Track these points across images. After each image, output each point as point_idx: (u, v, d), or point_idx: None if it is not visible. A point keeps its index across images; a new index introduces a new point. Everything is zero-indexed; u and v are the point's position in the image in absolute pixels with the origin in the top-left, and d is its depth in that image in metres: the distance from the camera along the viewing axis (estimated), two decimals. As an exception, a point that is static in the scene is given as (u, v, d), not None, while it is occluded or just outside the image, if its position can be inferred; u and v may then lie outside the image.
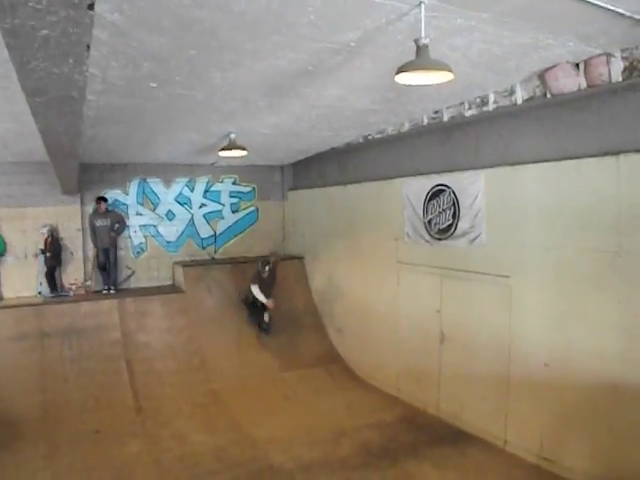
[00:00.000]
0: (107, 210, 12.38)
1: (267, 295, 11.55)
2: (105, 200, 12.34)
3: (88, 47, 3.17)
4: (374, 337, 10.85)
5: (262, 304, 11.57)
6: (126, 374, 10.61)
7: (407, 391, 9.87)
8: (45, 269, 12.00)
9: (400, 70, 4.32)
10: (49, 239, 11.87)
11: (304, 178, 13.96)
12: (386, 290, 10.38)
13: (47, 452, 8.34)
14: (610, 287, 6.49)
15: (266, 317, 11.84)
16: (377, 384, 10.59)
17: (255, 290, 11.41)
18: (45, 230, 11.87)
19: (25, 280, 12.07)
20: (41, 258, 12.02)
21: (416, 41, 4.28)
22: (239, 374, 10.89)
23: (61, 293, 12.12)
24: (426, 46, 4.26)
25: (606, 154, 6.49)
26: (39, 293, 12.09)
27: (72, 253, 12.39)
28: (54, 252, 11.94)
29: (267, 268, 11.55)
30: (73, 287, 12.39)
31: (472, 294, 8.46)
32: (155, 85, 6.16)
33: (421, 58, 4.27)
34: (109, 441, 8.63)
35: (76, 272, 12.47)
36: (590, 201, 6.69)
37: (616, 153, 6.38)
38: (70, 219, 12.37)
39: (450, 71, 4.36)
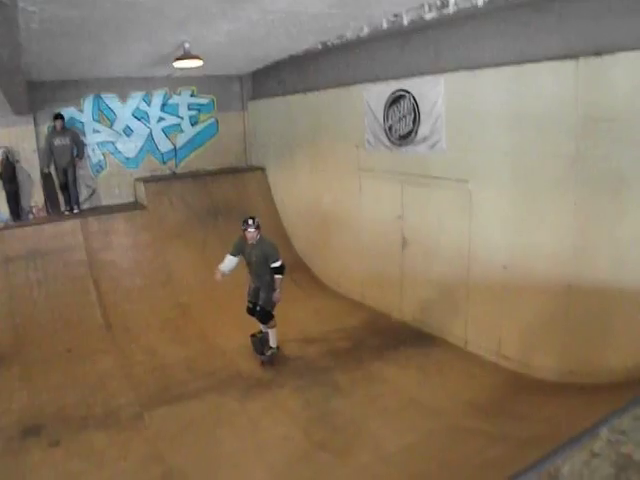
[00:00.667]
0: (65, 128, 12.02)
1: (258, 279, 8.30)
2: (62, 117, 11.94)
3: None
4: (338, 245, 10.99)
5: (253, 300, 8.42)
6: (94, 293, 10.64)
7: (371, 296, 10.10)
8: (4, 194, 11.73)
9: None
10: (4, 162, 11.54)
11: (264, 87, 13.66)
12: (349, 198, 10.42)
13: (21, 373, 8.47)
14: (567, 191, 6.62)
15: (263, 327, 8.46)
16: (343, 291, 10.81)
17: (227, 261, 8.35)
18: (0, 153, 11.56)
19: (-19, 206, 11.81)
20: (-2, 182, 11.73)
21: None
22: (206, 287, 10.90)
23: (22, 217, 11.91)
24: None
25: (566, 57, 6.45)
26: (-3, 218, 11.87)
27: (29, 176, 12.10)
28: (11, 175, 11.61)
29: (252, 224, 8.06)
30: (34, 210, 12.18)
31: (432, 199, 8.55)
32: (97, -7, 5.90)
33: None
34: (81, 359, 8.79)
35: (35, 195, 12.21)
36: (549, 105, 6.71)
37: (575, 57, 6.34)
38: (24, 140, 11.95)
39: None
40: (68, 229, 11.45)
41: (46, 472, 5.95)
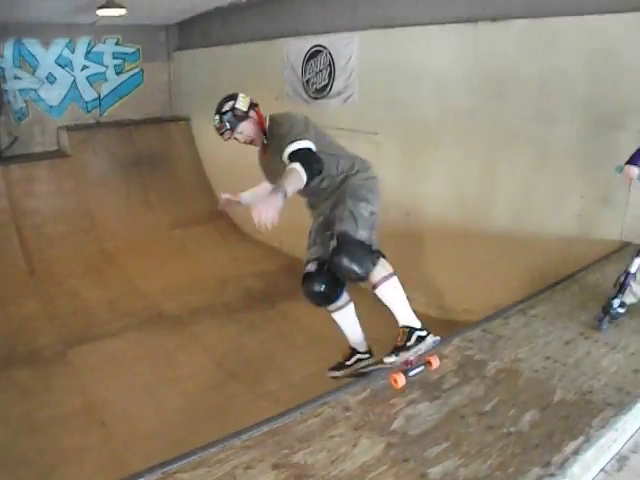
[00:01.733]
0: None
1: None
2: None
3: None
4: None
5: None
6: (16, 240, 10.64)
7: (289, 243, 10.53)
8: None
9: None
10: None
11: (189, 39, 13.72)
12: (267, 149, 10.75)
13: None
14: (465, 142, 7.25)
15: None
16: (262, 238, 11.16)
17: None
18: None
19: None
20: None
21: None
22: (129, 233, 11.23)
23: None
24: None
25: (467, 21, 6.98)
26: None
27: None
28: None
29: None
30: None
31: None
32: None
33: None
34: (5, 302, 8.94)
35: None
36: (451, 65, 7.25)
37: (475, 21, 6.89)
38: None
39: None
40: (-12, 176, 11.41)
41: (-29, 404, 6.29)
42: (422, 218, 7.91)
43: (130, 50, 13.88)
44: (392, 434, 2.93)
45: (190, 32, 13.64)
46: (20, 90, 12.68)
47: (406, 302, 3.67)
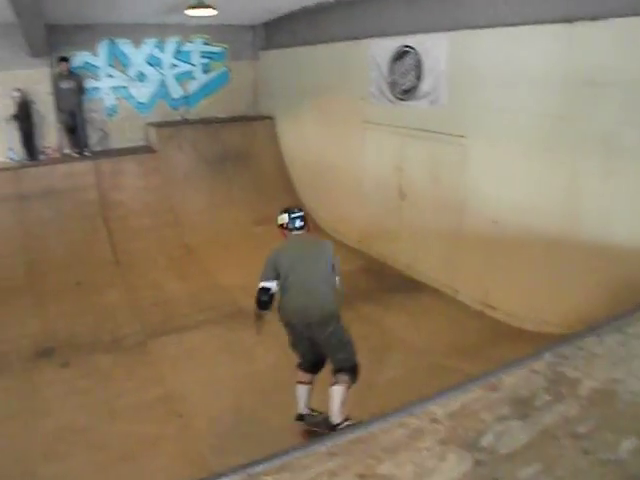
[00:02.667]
0: (70, 71, 12.26)
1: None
2: (66, 60, 12.15)
3: None
4: (340, 193, 11.36)
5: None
6: (104, 231, 11.07)
7: (368, 244, 10.52)
8: (19, 134, 12.06)
9: None
10: (20, 103, 11.85)
11: (275, 38, 13.86)
12: (352, 148, 10.74)
13: (34, 302, 8.99)
14: (554, 149, 6.94)
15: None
16: (340, 237, 11.12)
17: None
18: (16, 94, 11.83)
19: (-3, 146, 12.18)
20: (13, 123, 12.03)
21: None
22: (212, 229, 11.42)
23: (37, 157, 12.26)
24: None
25: (561, 21, 6.68)
26: (9, 158, 12.14)
27: (44, 117, 12.43)
28: (26, 116, 11.94)
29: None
30: (48, 151, 12.55)
31: (431, 152, 8.86)
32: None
33: None
34: (90, 291, 9.30)
35: (49, 136, 12.56)
36: (543, 67, 6.97)
37: (570, 21, 6.58)
38: (40, 82, 12.19)
39: None
40: (81, 169, 11.81)
41: (58, 388, 6.53)
42: (509, 226, 7.66)
43: (217, 49, 14.14)
44: (481, 451, 2.79)
45: (276, 32, 13.77)
46: (112, 88, 13.14)
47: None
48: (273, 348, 7.04)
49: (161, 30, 13.29)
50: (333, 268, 5.37)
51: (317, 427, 5.39)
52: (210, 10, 9.19)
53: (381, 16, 9.78)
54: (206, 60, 14.05)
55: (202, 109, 14.16)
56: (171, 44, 13.59)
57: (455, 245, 8.59)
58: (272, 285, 5.25)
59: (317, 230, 11.78)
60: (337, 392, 5.02)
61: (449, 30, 8.31)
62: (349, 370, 5.12)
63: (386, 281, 9.30)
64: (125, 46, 13.12)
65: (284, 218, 5.61)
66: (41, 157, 12.33)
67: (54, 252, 10.50)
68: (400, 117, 9.38)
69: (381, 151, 9.97)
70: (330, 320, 5.15)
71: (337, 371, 5.13)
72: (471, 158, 8.14)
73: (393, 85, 9.41)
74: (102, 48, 12.88)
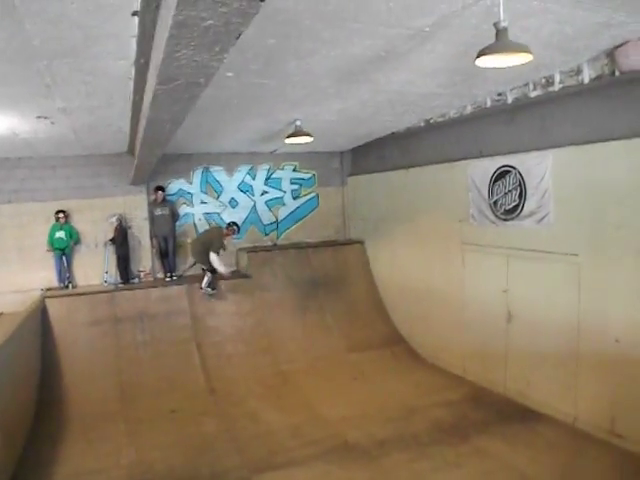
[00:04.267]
0: (164, 199, 12.77)
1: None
2: (162, 189, 12.73)
3: (239, 36, 3.21)
4: (438, 318, 10.96)
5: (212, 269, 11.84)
6: (197, 357, 10.98)
7: (473, 371, 9.98)
8: (115, 257, 12.42)
9: (481, 54, 4.43)
10: (118, 228, 12.31)
11: (363, 163, 14.09)
12: (451, 271, 10.46)
13: (128, 430, 8.77)
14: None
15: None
16: (442, 364, 10.73)
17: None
18: (114, 219, 12.30)
19: (94, 268, 12.55)
20: (109, 247, 12.44)
21: (495, 24, 4.37)
22: (306, 355, 11.17)
23: (131, 280, 12.55)
24: (505, 29, 4.36)
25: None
26: (105, 281, 12.49)
27: (140, 241, 12.84)
28: (122, 240, 12.35)
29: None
30: (142, 275, 12.83)
31: (539, 273, 8.48)
32: (231, 75, 6.34)
33: (501, 41, 4.37)
34: (185, 420, 9.00)
35: (144, 260, 12.93)
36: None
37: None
38: (137, 208, 12.82)
39: (529, 53, 4.45)
40: (174, 294, 11.97)
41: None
42: (634, 344, 7.09)
43: (306, 176, 14.47)
44: None
45: (364, 157, 14.00)
46: (205, 214, 13.48)
47: None
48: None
49: (253, 158, 13.78)
50: None
51: None
52: (307, 137, 9.37)
53: (478, 137, 9.75)
54: (296, 186, 14.37)
55: (291, 234, 14.36)
56: (262, 171, 14.02)
57: (572, 367, 7.98)
58: None
59: (414, 358, 11.40)
60: None
61: (552, 147, 8.17)
62: None
63: (497, 410, 8.68)
64: (218, 173, 13.62)
65: None
66: (135, 280, 12.60)
67: (147, 376, 10.45)
68: (504, 237, 9.12)
69: (483, 273, 9.66)
70: None
71: None
72: (586, 276, 7.72)
73: (494, 205, 9.23)
74: (197, 176, 13.43)
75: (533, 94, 7.90)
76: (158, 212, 12.66)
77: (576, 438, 7.59)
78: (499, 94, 8.46)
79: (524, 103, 8.32)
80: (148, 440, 8.40)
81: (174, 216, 12.90)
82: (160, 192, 12.65)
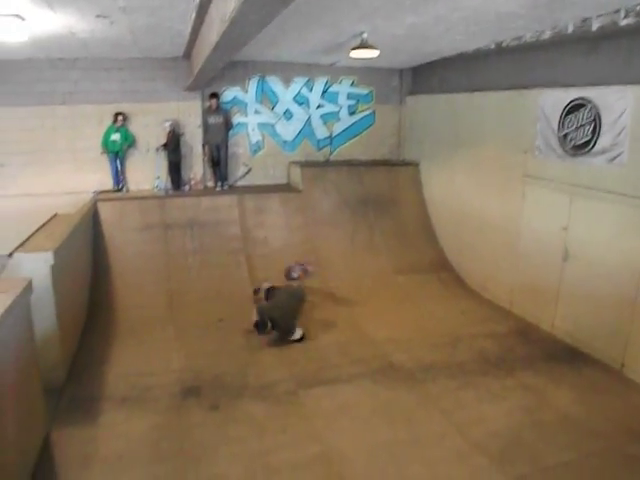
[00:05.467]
0: (219, 107, 12.56)
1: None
2: (217, 96, 12.51)
3: None
4: (490, 249, 10.78)
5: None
6: (245, 268, 11.09)
7: (521, 305, 9.87)
8: (167, 163, 12.44)
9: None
10: (171, 134, 12.23)
11: (424, 83, 13.59)
12: (509, 203, 10.16)
13: (177, 336, 9.01)
14: None
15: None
16: (488, 296, 10.65)
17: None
18: (168, 125, 12.22)
19: (145, 173, 12.59)
20: (162, 153, 12.42)
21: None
22: (353, 274, 11.17)
23: (182, 187, 12.58)
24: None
25: None
26: (156, 187, 12.55)
27: (192, 148, 12.77)
28: (175, 147, 12.32)
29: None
30: (192, 182, 12.83)
31: (604, 214, 8.16)
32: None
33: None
34: (232, 330, 9.17)
35: (195, 168, 12.91)
36: None
37: None
38: (191, 115, 12.69)
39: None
40: (225, 204, 11.98)
41: (209, 432, 6.28)
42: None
43: (364, 92, 14.05)
44: None
45: (425, 77, 13.50)
46: (259, 124, 13.29)
47: None
48: (434, 415, 6.62)
49: (310, 70, 13.38)
50: None
51: None
52: (374, 51, 8.99)
53: (553, 66, 9.24)
54: (352, 102, 13.98)
55: (345, 151, 14.09)
56: (319, 84, 13.63)
57: (627, 314, 7.79)
58: None
59: (461, 286, 11.30)
60: None
61: (636, 83, 7.68)
62: None
63: (543, 347, 8.61)
64: (275, 84, 13.28)
65: None
66: (185, 188, 12.61)
67: (195, 284, 10.62)
68: (569, 173, 8.77)
69: (543, 208, 9.35)
70: None
71: None
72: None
73: (564, 139, 8.83)
74: (252, 85, 13.12)
75: (624, 22, 7.30)
76: (212, 120, 12.49)
77: (621, 384, 7.52)
78: (584, 20, 7.90)
79: (610, 32, 7.71)
80: (197, 347, 8.61)
81: (227, 125, 12.71)
82: (215, 99, 12.43)
